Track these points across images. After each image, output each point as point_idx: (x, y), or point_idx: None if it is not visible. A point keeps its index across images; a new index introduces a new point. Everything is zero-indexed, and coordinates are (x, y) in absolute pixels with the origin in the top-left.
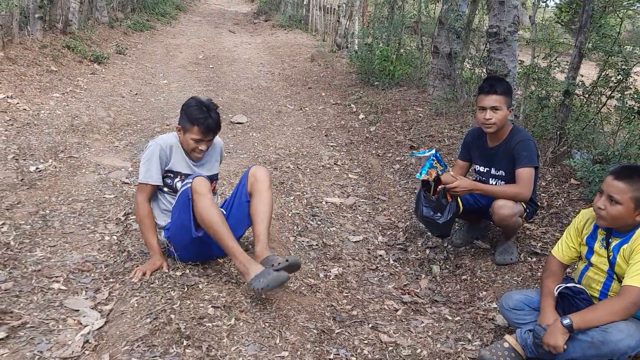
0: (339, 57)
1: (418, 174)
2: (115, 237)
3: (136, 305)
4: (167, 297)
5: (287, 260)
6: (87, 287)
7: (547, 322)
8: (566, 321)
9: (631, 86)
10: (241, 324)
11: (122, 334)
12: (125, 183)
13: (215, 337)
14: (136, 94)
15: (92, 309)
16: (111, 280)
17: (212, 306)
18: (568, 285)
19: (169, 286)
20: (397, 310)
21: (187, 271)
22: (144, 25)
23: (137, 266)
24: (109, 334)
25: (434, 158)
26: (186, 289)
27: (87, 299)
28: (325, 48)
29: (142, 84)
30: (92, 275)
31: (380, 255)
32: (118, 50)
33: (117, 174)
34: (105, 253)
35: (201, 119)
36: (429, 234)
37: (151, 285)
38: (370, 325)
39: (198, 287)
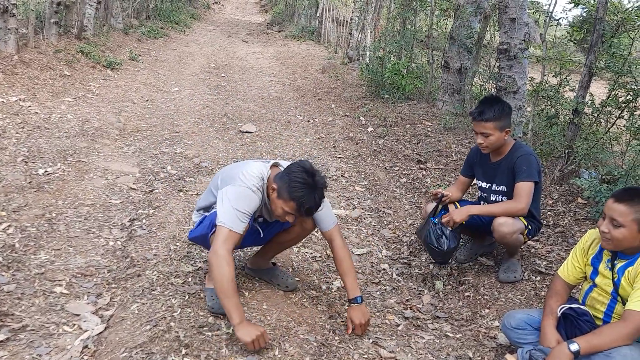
0: (350, 70)
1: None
2: (119, 243)
3: (137, 311)
4: (168, 304)
5: (287, 287)
6: (89, 292)
7: (547, 343)
8: (574, 346)
9: None
10: None
11: (121, 340)
12: (132, 189)
13: (214, 347)
14: (147, 100)
15: (93, 314)
16: (113, 285)
17: (212, 315)
18: (572, 306)
19: (170, 294)
20: (398, 325)
21: (189, 279)
22: (158, 33)
23: (138, 274)
24: (108, 339)
25: None
26: (187, 297)
27: (88, 303)
28: (337, 60)
29: (154, 91)
30: (95, 280)
31: (384, 269)
32: (131, 57)
33: (124, 179)
34: (109, 258)
35: (303, 199)
36: None
37: (152, 292)
38: (370, 340)
39: (199, 295)
